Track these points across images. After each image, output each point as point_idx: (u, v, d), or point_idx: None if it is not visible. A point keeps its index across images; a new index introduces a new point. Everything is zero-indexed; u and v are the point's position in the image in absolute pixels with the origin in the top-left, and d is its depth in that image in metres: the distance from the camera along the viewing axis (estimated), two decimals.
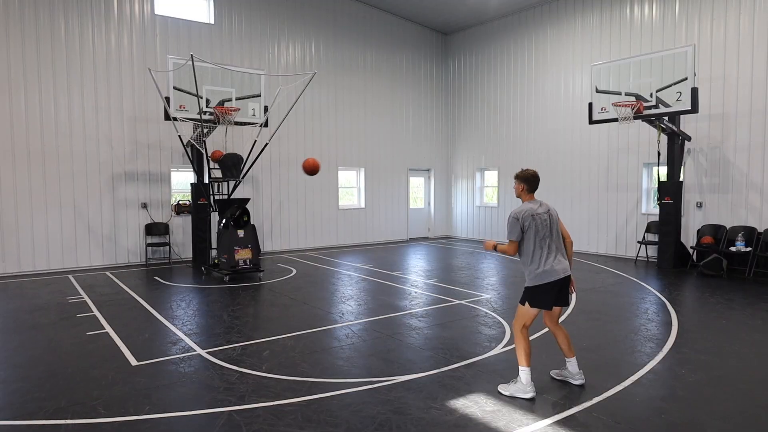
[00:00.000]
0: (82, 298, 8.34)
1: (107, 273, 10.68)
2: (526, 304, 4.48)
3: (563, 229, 4.69)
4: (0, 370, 5.15)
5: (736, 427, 3.88)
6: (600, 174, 13.07)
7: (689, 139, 10.89)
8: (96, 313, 7.36)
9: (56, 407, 4.24)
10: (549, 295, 4.45)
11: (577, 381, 4.63)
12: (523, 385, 4.37)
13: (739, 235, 10.10)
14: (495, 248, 4.65)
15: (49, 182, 10.88)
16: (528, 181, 4.58)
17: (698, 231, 10.97)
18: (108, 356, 5.51)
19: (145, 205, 11.95)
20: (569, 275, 4.52)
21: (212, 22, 12.81)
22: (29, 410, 4.20)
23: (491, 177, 16.34)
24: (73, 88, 11.09)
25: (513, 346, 5.71)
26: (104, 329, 6.52)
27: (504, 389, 4.47)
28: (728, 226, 10.62)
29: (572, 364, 4.65)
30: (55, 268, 10.98)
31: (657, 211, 11.29)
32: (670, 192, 10.71)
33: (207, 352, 5.61)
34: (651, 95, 10.31)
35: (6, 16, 10.37)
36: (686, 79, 9.81)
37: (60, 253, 11.04)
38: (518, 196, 4.66)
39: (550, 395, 4.43)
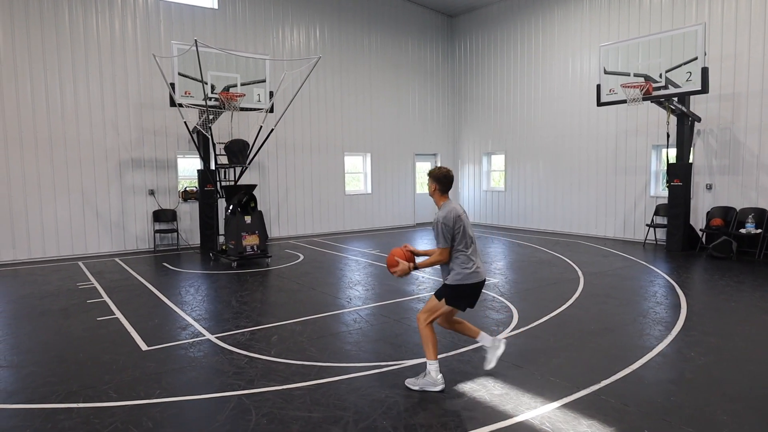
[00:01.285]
0: (92, 284, 8.41)
1: (116, 259, 10.76)
2: (443, 300, 4.27)
3: None
4: (13, 355, 5.21)
5: (746, 409, 3.87)
6: (608, 156, 12.95)
7: (699, 120, 10.75)
8: (106, 298, 7.43)
9: (68, 391, 4.30)
10: (469, 298, 4.31)
11: (501, 348, 4.47)
12: (432, 378, 4.22)
13: (749, 216, 10.01)
14: (414, 268, 4.27)
15: (57, 169, 10.93)
16: (440, 181, 4.33)
17: (708, 213, 10.88)
18: (118, 341, 5.57)
19: (152, 192, 11.99)
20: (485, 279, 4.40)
21: (216, 7, 12.71)
22: (42, 394, 4.26)
23: (498, 161, 16.25)
24: (79, 74, 11.08)
25: (521, 330, 5.72)
26: (114, 315, 6.58)
27: (412, 384, 4.28)
28: (738, 207, 10.52)
29: (483, 337, 4.51)
30: (65, 254, 11.08)
31: (666, 193, 11.19)
32: (679, 174, 10.60)
33: (216, 337, 5.66)
34: (660, 76, 10.16)
35: (10, 3, 10.33)
36: (696, 58, 9.65)
37: (69, 239, 11.12)
38: (431, 195, 4.46)
39: (557, 378, 4.44)
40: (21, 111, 10.53)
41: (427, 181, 4.47)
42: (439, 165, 4.41)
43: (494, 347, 4.50)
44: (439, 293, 4.34)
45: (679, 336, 5.49)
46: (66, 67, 10.95)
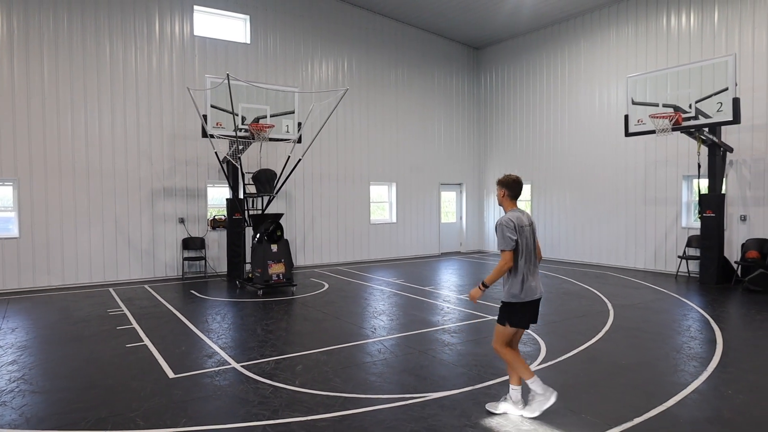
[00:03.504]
0: (122, 310, 8.57)
1: (146, 286, 10.96)
2: (507, 324, 4.25)
3: (537, 242, 4.48)
4: (44, 380, 5.32)
5: None
6: (637, 187, 12.77)
7: (731, 150, 10.55)
8: (135, 325, 7.55)
9: (97, 417, 4.35)
10: (527, 314, 4.28)
11: (551, 401, 4.23)
12: (513, 402, 4.29)
13: None
14: (484, 286, 4.19)
15: (93, 198, 11.29)
16: (510, 187, 4.33)
17: (743, 245, 10.57)
18: (146, 368, 5.64)
19: (182, 220, 12.25)
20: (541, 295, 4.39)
21: (248, 41, 13.16)
22: (71, 420, 4.32)
23: (524, 191, 16.13)
24: (117, 107, 11.53)
25: (549, 363, 5.60)
26: (143, 341, 6.68)
27: (492, 407, 4.36)
28: None
29: (517, 391, 4.34)
30: (97, 281, 11.34)
31: (698, 224, 10.94)
32: (711, 205, 10.37)
33: (241, 366, 5.68)
34: (690, 106, 10.06)
35: (56, 40, 10.89)
36: (727, 89, 9.54)
37: (101, 266, 11.40)
38: (500, 204, 4.45)
39: (588, 414, 4.31)
40: (61, 142, 10.98)
41: (495, 190, 4.48)
42: (508, 173, 4.45)
43: (545, 397, 4.23)
44: (500, 317, 4.32)
45: (716, 373, 5.29)
46: (105, 100, 11.42)
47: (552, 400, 4.21)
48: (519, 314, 4.25)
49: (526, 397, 4.38)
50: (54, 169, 10.91)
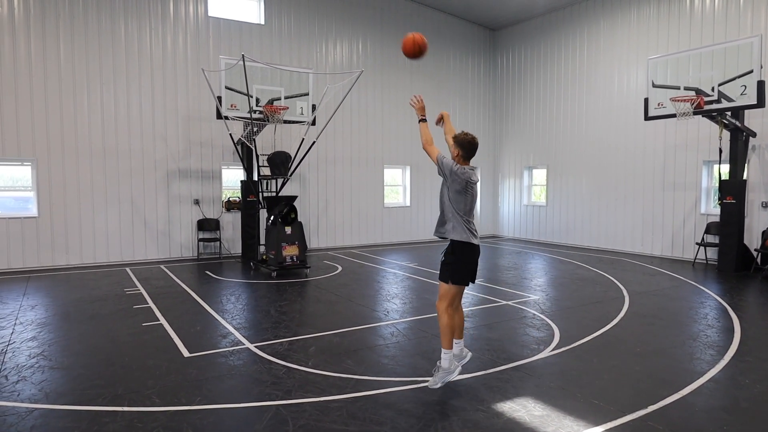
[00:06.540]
0: (139, 290, 8.69)
1: (162, 266, 11.08)
2: (449, 282, 4.42)
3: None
4: (63, 357, 5.42)
5: None
6: (656, 172, 12.54)
7: (754, 135, 10.29)
8: (151, 304, 7.65)
9: (114, 394, 4.43)
10: (469, 267, 4.45)
11: (466, 359, 4.66)
12: (446, 369, 4.38)
13: None
14: (423, 118, 4.56)
15: (109, 178, 11.39)
16: (464, 148, 4.42)
17: (763, 233, 10.36)
18: (162, 347, 5.72)
19: (197, 202, 12.33)
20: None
21: (263, 22, 13.07)
22: (89, 396, 4.40)
23: (540, 175, 15.98)
24: (132, 88, 11.57)
25: (563, 349, 5.57)
26: (159, 321, 6.77)
27: (432, 384, 4.40)
28: None
29: (458, 345, 4.60)
30: (114, 260, 11.50)
31: (717, 211, 10.73)
32: (732, 191, 10.16)
33: (255, 346, 5.73)
34: (712, 89, 9.81)
35: (71, 21, 10.91)
36: (752, 71, 9.28)
37: (118, 246, 11.55)
38: (453, 159, 4.50)
39: (601, 401, 4.28)
40: (78, 122, 11.06)
41: (450, 145, 4.55)
42: (465, 131, 4.52)
43: (459, 357, 4.62)
44: (443, 275, 4.47)
45: (733, 361, 5.22)
46: (120, 81, 11.45)
47: (455, 375, 4.44)
48: (461, 268, 4.40)
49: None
50: (71, 149, 11.01)
